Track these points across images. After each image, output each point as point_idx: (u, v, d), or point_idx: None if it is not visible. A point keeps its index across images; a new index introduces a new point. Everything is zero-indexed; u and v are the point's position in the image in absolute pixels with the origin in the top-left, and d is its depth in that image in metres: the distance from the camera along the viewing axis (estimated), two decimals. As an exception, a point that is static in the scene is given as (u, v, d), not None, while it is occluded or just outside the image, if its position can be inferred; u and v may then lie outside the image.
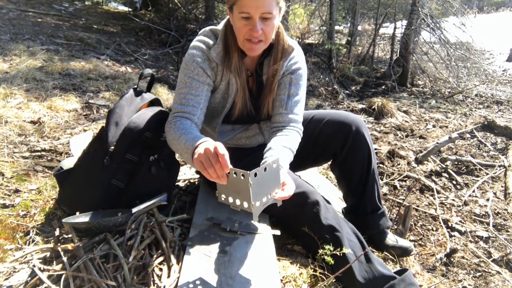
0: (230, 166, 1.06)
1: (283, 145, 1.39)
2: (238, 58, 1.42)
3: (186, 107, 1.40)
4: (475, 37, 7.02)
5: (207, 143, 1.14)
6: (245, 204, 1.10)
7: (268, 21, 1.30)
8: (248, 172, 1.03)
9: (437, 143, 3.46)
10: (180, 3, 7.37)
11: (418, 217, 2.42)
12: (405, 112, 5.00)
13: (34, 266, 1.20)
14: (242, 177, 1.05)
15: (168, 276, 1.21)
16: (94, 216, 1.40)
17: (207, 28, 1.49)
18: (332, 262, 1.28)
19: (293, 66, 1.52)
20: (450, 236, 2.26)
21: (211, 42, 1.43)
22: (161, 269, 1.25)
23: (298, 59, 1.54)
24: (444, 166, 3.18)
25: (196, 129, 1.37)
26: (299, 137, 1.53)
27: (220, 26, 1.46)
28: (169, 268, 1.25)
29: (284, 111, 1.50)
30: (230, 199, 1.14)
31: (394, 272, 1.40)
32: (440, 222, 2.37)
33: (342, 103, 5.23)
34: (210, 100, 1.50)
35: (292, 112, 1.51)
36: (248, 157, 1.59)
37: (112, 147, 1.49)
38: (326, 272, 1.36)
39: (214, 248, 1.34)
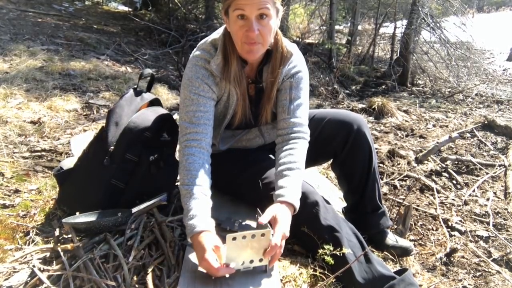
0: (242, 232, 1.14)
1: (291, 168, 1.38)
2: (238, 66, 1.40)
3: (198, 126, 1.37)
4: (475, 36, 7.02)
5: (208, 255, 1.15)
6: (261, 261, 1.20)
7: (265, 20, 1.27)
8: (268, 229, 1.18)
9: (437, 142, 3.45)
10: (180, 3, 7.37)
11: (418, 217, 2.42)
12: (405, 111, 5.00)
13: (34, 266, 1.20)
14: (262, 236, 1.16)
15: (168, 276, 1.21)
16: (94, 216, 1.39)
17: (208, 40, 1.45)
18: (332, 262, 1.28)
19: (292, 71, 1.50)
20: (450, 235, 2.26)
21: (209, 56, 1.40)
22: (161, 269, 1.25)
23: (296, 63, 1.52)
24: (444, 165, 3.18)
25: (205, 173, 1.34)
26: (307, 143, 1.50)
27: (218, 36, 1.44)
28: (169, 268, 1.25)
29: (287, 116, 1.48)
30: (244, 263, 1.19)
31: (394, 272, 1.40)
32: (440, 222, 2.37)
33: (342, 103, 5.23)
34: None
35: (295, 116, 1.48)
36: (248, 156, 1.60)
37: (112, 147, 1.49)
38: (326, 272, 1.36)
39: (214, 248, 1.34)
